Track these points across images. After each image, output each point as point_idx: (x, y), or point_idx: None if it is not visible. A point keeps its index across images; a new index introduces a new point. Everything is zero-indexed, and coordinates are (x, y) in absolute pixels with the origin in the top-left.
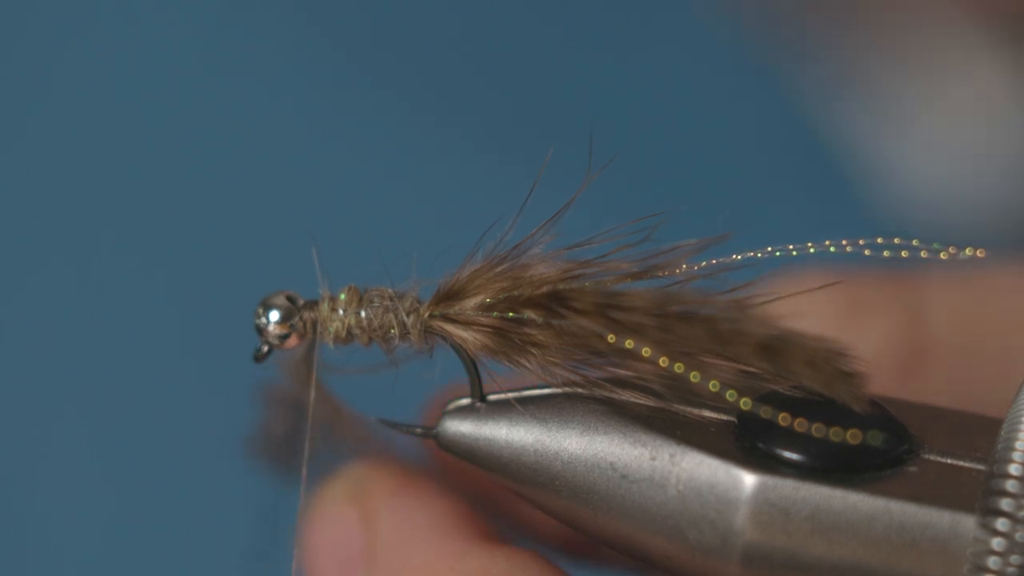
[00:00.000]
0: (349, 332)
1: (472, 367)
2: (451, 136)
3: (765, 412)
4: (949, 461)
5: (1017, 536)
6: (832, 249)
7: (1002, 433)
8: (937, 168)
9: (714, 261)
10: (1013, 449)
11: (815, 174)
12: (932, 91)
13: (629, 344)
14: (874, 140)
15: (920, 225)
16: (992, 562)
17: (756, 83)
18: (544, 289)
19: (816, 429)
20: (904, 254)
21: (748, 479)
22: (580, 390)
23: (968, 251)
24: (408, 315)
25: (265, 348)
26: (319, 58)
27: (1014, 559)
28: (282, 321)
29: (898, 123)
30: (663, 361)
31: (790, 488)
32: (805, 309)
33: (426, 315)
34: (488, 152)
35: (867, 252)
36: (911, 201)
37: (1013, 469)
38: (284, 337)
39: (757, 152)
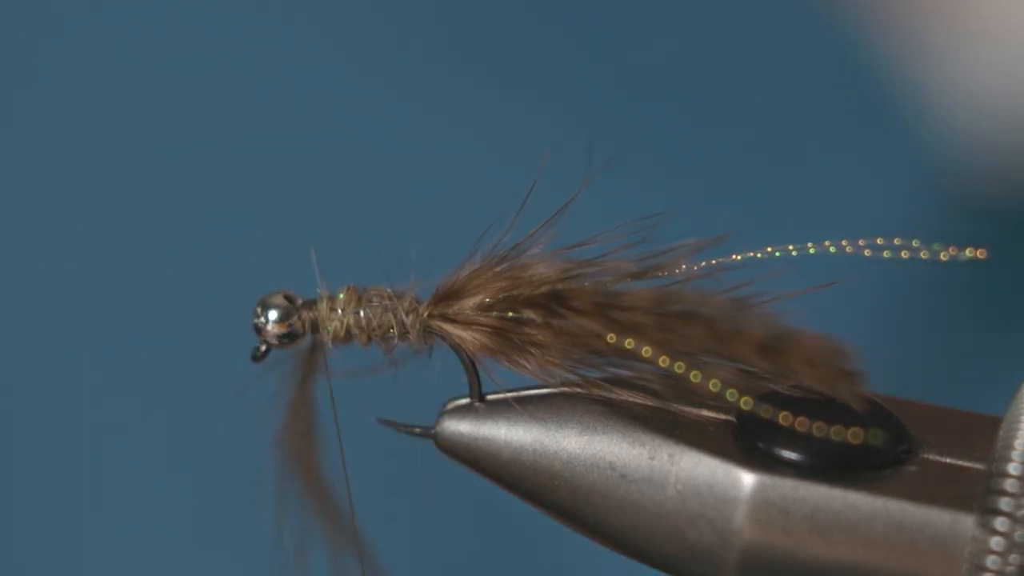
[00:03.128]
0: (348, 332)
1: (471, 367)
2: (449, 135)
3: (765, 411)
4: (948, 460)
5: (1016, 536)
6: (832, 249)
7: (1001, 432)
8: (987, 107)
9: (714, 261)
10: (1012, 448)
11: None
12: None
13: (629, 344)
14: (916, 81)
15: (967, 172)
16: (991, 561)
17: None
18: (543, 289)
19: (816, 428)
20: (905, 254)
21: (747, 478)
22: (579, 390)
23: (969, 252)
24: (407, 315)
25: (263, 348)
26: (318, 56)
27: (1013, 559)
28: (280, 320)
29: (944, 60)
30: (663, 361)
31: (789, 487)
32: None
33: (425, 315)
34: (487, 150)
35: (867, 252)
36: (959, 143)
37: (1012, 468)
38: (282, 336)
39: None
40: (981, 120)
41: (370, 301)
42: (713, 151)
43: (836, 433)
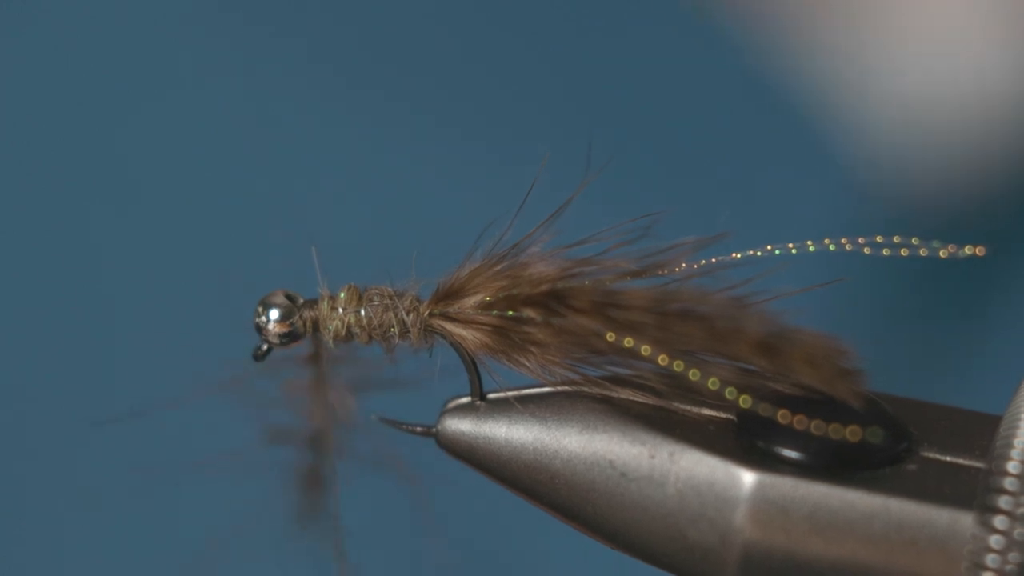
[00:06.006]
0: (349, 331)
1: (471, 366)
2: (450, 135)
3: (763, 409)
4: (948, 459)
5: (1015, 534)
6: (832, 247)
7: (1000, 430)
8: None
9: (713, 259)
10: (1011, 446)
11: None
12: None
13: (628, 342)
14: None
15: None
16: (990, 560)
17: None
18: (543, 287)
19: (815, 426)
20: (904, 252)
21: (747, 477)
22: (580, 388)
23: (968, 249)
24: (408, 314)
25: (264, 347)
26: (317, 55)
27: (1012, 556)
28: (282, 320)
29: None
30: (662, 359)
31: (789, 486)
32: None
33: (425, 313)
34: (487, 151)
35: (867, 251)
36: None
37: (1011, 467)
38: (284, 336)
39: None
40: (894, 124)
41: (371, 300)
42: (702, 152)
43: (834, 431)
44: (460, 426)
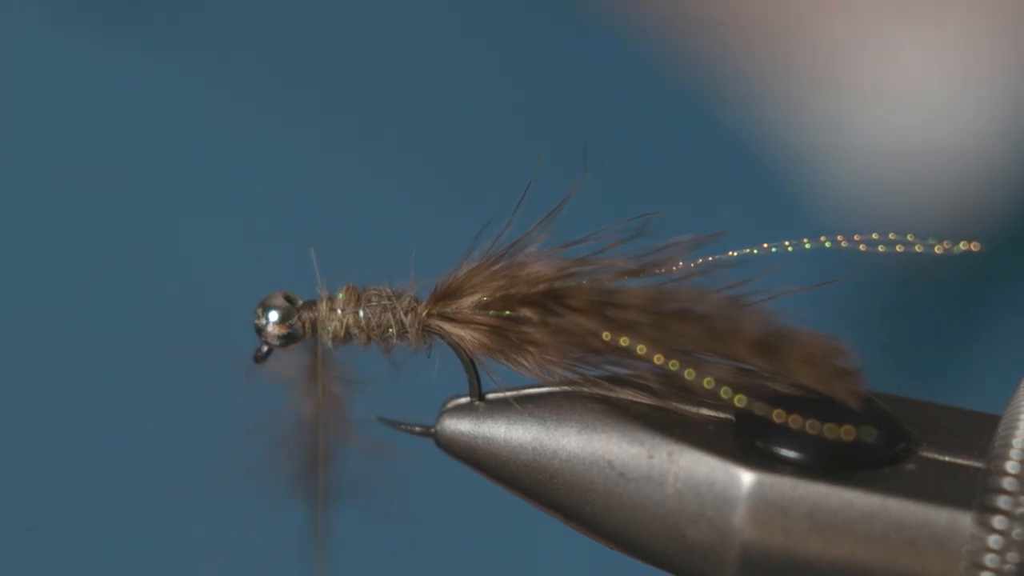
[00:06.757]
0: (347, 332)
1: (470, 366)
2: (447, 135)
3: (759, 409)
4: (947, 458)
5: (1014, 534)
6: (828, 245)
7: (999, 430)
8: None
9: (710, 258)
10: (1010, 446)
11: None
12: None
13: (624, 341)
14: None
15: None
16: (989, 559)
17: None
18: (540, 287)
19: (810, 426)
20: (899, 248)
21: (746, 477)
22: (579, 388)
23: (963, 245)
24: (406, 314)
25: (264, 348)
26: (314, 53)
27: (1011, 556)
28: (281, 321)
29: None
30: (657, 358)
31: (788, 486)
32: None
33: (423, 314)
34: (484, 151)
35: (863, 247)
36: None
37: (1010, 467)
38: (283, 337)
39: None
40: (864, 181)
41: (369, 301)
42: (701, 152)
43: (829, 431)
44: (459, 426)
